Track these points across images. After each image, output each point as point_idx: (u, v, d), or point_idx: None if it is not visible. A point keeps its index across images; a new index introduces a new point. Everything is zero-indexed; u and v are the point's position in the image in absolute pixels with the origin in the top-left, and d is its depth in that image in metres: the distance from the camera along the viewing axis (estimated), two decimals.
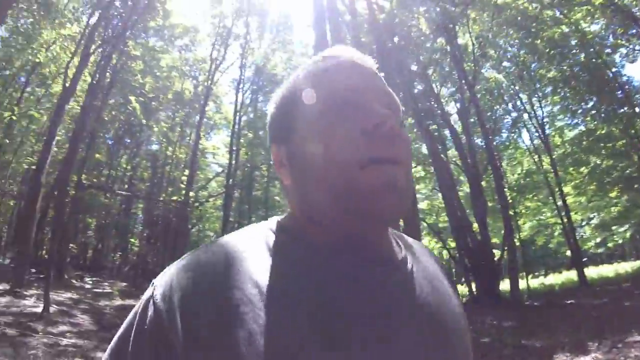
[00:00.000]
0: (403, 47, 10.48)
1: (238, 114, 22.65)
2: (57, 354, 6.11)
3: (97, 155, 22.57)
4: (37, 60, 19.16)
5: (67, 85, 14.23)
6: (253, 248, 0.56)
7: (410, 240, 0.72)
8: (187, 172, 21.84)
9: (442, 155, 11.21)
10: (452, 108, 16.60)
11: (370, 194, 0.51)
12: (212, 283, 0.50)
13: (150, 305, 0.52)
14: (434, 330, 0.56)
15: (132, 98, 20.76)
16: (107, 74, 18.89)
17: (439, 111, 10.94)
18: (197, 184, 25.85)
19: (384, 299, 0.55)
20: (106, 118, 21.98)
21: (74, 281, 14.51)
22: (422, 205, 19.92)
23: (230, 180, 21.27)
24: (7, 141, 18.94)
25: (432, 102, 10.88)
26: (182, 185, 21.65)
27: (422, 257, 0.68)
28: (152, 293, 0.53)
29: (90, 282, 15.58)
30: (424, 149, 12.48)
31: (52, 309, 8.68)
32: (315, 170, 0.56)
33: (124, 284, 15.12)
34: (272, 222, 0.63)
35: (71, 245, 16.67)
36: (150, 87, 23.58)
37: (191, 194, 21.12)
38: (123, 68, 20.67)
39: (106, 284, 15.52)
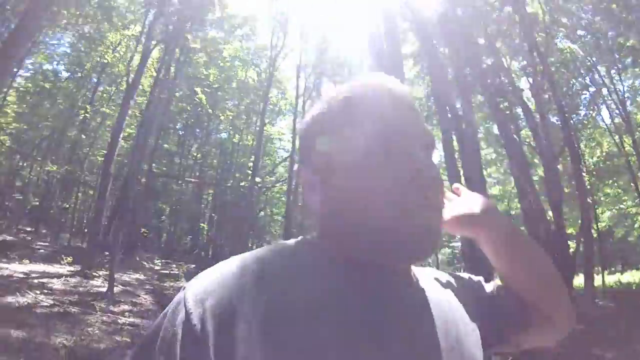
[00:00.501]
0: (468, 20, 9.76)
1: (302, 97, 22.45)
2: (114, 331, 6.36)
3: (166, 146, 23.71)
4: (106, 61, 20.30)
5: (130, 81, 14.83)
6: (285, 263, 0.58)
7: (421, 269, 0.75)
8: (252, 158, 22.18)
9: (514, 136, 10.35)
10: (524, 83, 14.99)
11: (406, 236, 0.56)
12: (244, 293, 0.51)
13: (181, 308, 0.52)
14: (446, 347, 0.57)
15: (198, 89, 21.50)
16: (172, 68, 19.64)
17: (510, 87, 10.09)
18: (264, 169, 26.46)
19: (409, 315, 0.58)
20: (175, 110, 23.06)
21: (144, 263, 15.24)
22: (494, 190, 18.62)
23: (295, 165, 21.37)
24: (84, 136, 20.24)
25: (502, 78, 10.03)
26: (249, 172, 22.08)
27: (434, 284, 0.70)
28: (184, 296, 0.53)
29: (160, 264, 16.31)
30: (495, 129, 11.70)
31: (117, 289, 9.12)
32: (355, 210, 0.58)
33: (193, 265, 15.68)
34: (303, 240, 0.64)
35: (143, 229, 17.53)
36: (214, 77, 24.37)
37: (257, 179, 21.56)
38: (186, 61, 21.44)
39: (174, 265, 16.17)
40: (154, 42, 15.84)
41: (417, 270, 0.69)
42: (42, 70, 21.01)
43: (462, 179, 9.10)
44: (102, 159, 17.83)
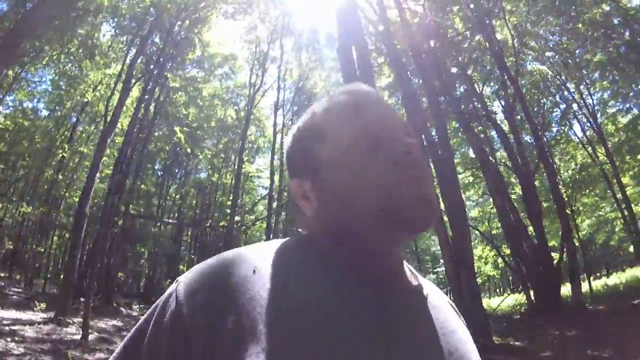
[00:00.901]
0: (440, 50, 10.11)
1: (279, 134, 22.69)
2: None
3: (144, 186, 23.44)
4: (86, 99, 20.26)
5: (108, 120, 14.76)
6: (277, 260, 0.58)
7: (422, 278, 0.74)
8: (231, 197, 22.09)
9: (490, 158, 10.55)
10: (497, 107, 15.43)
11: (411, 210, 0.58)
12: (236, 286, 0.52)
13: (172, 300, 0.53)
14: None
15: (177, 129, 21.38)
16: (151, 107, 19.69)
17: (484, 112, 10.36)
18: (244, 208, 26.21)
19: (393, 322, 0.57)
20: (153, 149, 22.95)
21: (122, 309, 14.73)
22: (473, 212, 18.77)
23: (274, 202, 21.27)
24: (61, 177, 19.89)
25: (476, 103, 10.32)
26: (228, 211, 21.89)
27: (435, 294, 0.70)
28: (176, 289, 0.54)
29: (138, 310, 15.80)
30: (471, 153, 11.93)
31: (92, 336, 8.74)
32: (351, 201, 0.60)
33: None
34: (294, 239, 0.66)
35: (120, 273, 17.03)
36: (193, 116, 24.44)
37: (237, 218, 21.34)
38: (166, 100, 21.53)
39: None
40: (133, 81, 15.88)
41: (419, 277, 0.71)
42: (22, 108, 20.78)
43: (441, 203, 9.23)
44: (78, 201, 17.48)
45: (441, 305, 0.68)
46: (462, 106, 10.21)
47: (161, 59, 17.86)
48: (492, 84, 12.66)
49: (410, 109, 9.44)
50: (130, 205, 19.68)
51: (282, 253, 0.60)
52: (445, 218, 9.09)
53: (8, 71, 16.32)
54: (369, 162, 0.60)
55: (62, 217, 20.75)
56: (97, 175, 13.77)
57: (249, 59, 24.07)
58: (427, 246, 19.24)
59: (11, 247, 20.02)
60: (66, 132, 22.01)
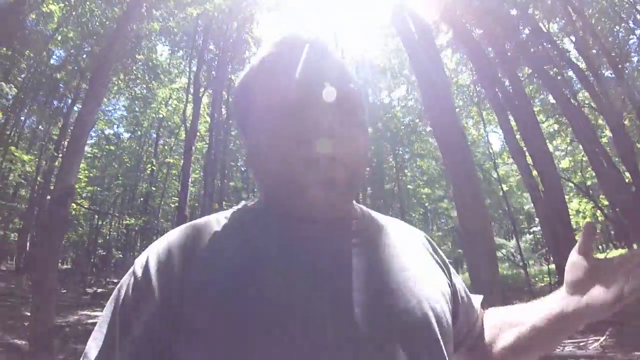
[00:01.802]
0: None
1: None
2: None
3: (232, 183, 24.72)
4: (161, 115, 21.72)
5: (187, 130, 15.75)
6: (224, 222, 0.63)
7: (384, 218, 0.75)
8: None
9: (571, 101, 9.80)
10: (568, 44, 13.70)
11: (307, 193, 0.57)
12: (184, 249, 0.57)
13: (131, 276, 0.57)
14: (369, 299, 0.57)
15: None
16: (223, 109, 20.65)
17: (555, 51, 9.59)
18: None
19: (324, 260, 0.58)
20: (234, 148, 24.08)
21: None
22: (563, 163, 17.35)
23: None
24: (154, 188, 21.52)
25: (545, 44, 9.58)
26: None
27: (391, 233, 0.70)
28: (134, 267, 0.58)
29: None
30: (552, 99, 11.05)
31: None
32: (264, 166, 0.62)
33: None
34: (247, 201, 0.69)
35: None
36: None
37: None
38: None
39: None
40: (201, 90, 16.71)
41: (377, 220, 0.72)
42: (105, 135, 22.80)
43: (527, 156, 8.78)
44: (175, 205, 18.91)
45: (394, 242, 0.67)
46: (532, 49, 9.55)
47: (220, 63, 18.58)
48: (557, 19, 11.59)
49: (477, 64, 9.06)
50: (223, 202, 20.94)
51: (226, 216, 0.64)
52: (535, 172, 8.61)
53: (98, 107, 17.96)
54: (279, 131, 0.58)
55: (162, 222, 22.49)
56: (189, 180, 14.86)
57: None
58: (519, 204, 18.18)
59: (120, 255, 22.29)
60: (150, 148, 23.81)
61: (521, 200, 16.47)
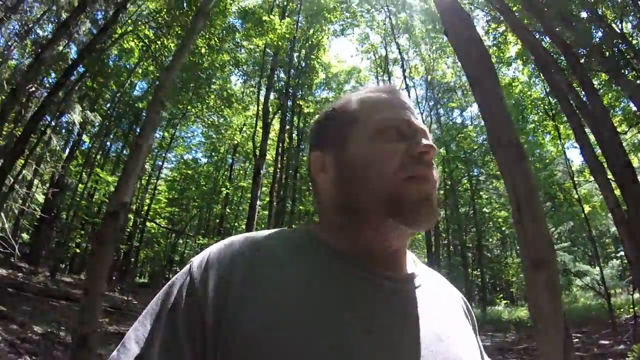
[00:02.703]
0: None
1: None
2: None
3: (302, 207, 25.21)
4: (236, 141, 22.78)
5: (257, 154, 16.27)
6: (282, 244, 0.66)
7: (429, 269, 0.79)
8: None
9: None
10: None
11: (412, 201, 0.63)
12: (241, 262, 0.59)
13: (186, 276, 0.60)
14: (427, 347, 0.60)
15: None
16: (294, 135, 21.20)
17: (632, 52, 8.49)
18: None
19: (383, 311, 0.61)
20: (304, 173, 24.58)
21: None
22: None
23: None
24: (228, 210, 22.42)
25: (620, 45, 8.56)
26: None
27: (437, 284, 0.76)
28: (190, 265, 0.61)
29: None
30: (633, 106, 9.79)
31: None
32: (366, 176, 0.66)
33: None
34: (303, 227, 0.72)
35: None
36: None
37: None
38: (305, 126, 22.94)
39: None
40: (271, 116, 17.27)
41: (421, 268, 0.76)
42: (184, 160, 24.41)
43: (607, 172, 7.81)
44: (245, 228, 19.49)
45: (438, 294, 0.73)
46: (606, 53, 8.57)
47: (290, 90, 19.15)
48: (630, 17, 10.28)
49: (549, 74, 8.35)
50: (293, 225, 21.27)
51: (283, 238, 0.68)
52: (617, 191, 7.59)
53: (164, 134, 19.36)
54: (390, 150, 0.66)
55: None
56: (259, 203, 15.25)
57: (371, 67, 24.25)
58: (604, 226, 16.43)
59: None
60: (225, 172, 25.01)
61: (606, 222, 14.76)
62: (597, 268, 11.85)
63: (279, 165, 18.66)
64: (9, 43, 10.83)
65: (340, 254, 0.66)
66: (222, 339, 0.52)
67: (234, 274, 0.57)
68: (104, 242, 6.09)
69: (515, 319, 14.06)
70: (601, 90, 9.98)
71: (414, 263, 0.75)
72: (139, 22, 13.45)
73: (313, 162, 0.75)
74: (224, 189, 22.34)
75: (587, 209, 13.16)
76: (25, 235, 16.41)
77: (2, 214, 9.89)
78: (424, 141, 0.67)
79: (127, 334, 0.58)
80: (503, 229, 22.48)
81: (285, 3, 17.56)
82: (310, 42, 19.43)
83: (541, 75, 11.90)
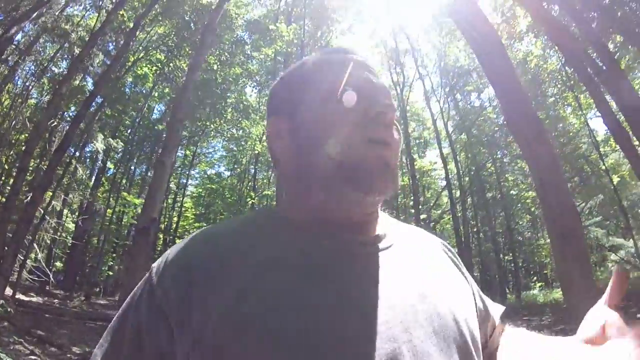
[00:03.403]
0: None
1: (439, 120, 21.73)
2: None
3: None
4: (257, 151, 22.99)
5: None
6: (243, 229, 0.64)
7: (406, 226, 0.77)
8: (412, 197, 22.07)
9: None
10: None
11: (367, 166, 0.60)
12: (202, 258, 0.57)
13: (147, 285, 0.58)
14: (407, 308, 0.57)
15: None
16: None
17: None
18: (427, 204, 25.85)
19: (353, 274, 0.58)
20: None
21: None
22: None
23: (456, 191, 20.40)
24: None
25: (632, 3, 8.23)
26: (412, 210, 21.90)
27: (414, 240, 0.73)
28: (149, 274, 0.59)
29: None
30: None
31: None
32: (320, 140, 0.62)
33: None
34: (264, 208, 0.80)
35: None
36: None
37: (423, 216, 21.07)
38: None
39: None
40: None
41: (401, 227, 0.74)
42: (207, 176, 24.82)
43: (632, 137, 7.55)
44: None
45: (416, 250, 0.69)
46: (618, 13, 8.30)
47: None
48: None
49: (562, 43, 8.14)
50: None
51: (243, 222, 0.67)
52: None
53: (186, 152, 19.76)
54: (342, 113, 0.62)
55: None
56: None
57: (382, 61, 24.16)
58: (636, 196, 15.90)
59: None
60: (249, 183, 25.29)
61: (637, 191, 14.23)
62: (631, 241, 11.46)
63: None
64: (27, 83, 11.33)
65: (301, 226, 0.63)
66: (191, 344, 0.50)
67: (195, 273, 0.55)
68: (137, 257, 6.33)
69: (552, 301, 13.68)
70: (618, 53, 9.68)
71: (387, 223, 0.72)
72: (150, 48, 13.81)
73: (268, 129, 0.71)
74: (249, 199, 22.55)
75: (615, 179, 12.72)
76: (58, 264, 17.03)
77: (35, 245, 10.27)
78: (385, 101, 0.64)
79: (94, 352, 0.57)
80: (532, 209, 21.90)
81: (290, 10, 17.71)
82: (319, 44, 19.51)
83: (555, 46, 11.69)
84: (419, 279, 0.62)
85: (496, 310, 0.79)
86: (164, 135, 18.98)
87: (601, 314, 0.54)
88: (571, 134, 16.46)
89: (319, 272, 0.57)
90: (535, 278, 22.26)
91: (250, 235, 0.62)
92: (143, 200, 18.24)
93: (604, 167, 12.64)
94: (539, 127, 5.48)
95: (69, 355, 6.85)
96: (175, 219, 21.68)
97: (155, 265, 0.60)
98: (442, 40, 22.04)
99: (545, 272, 22.39)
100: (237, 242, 0.60)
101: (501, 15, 12.32)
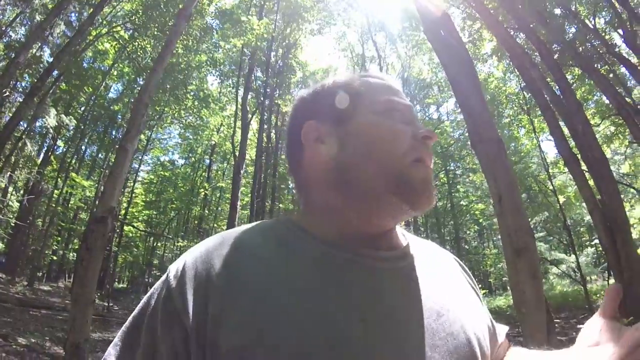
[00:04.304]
0: None
1: None
2: None
3: (281, 205, 25.14)
4: (213, 142, 22.56)
5: (236, 154, 16.19)
6: (262, 238, 0.63)
7: (420, 240, 0.79)
8: None
9: (627, 99, 8.96)
10: (617, 39, 12.50)
11: (416, 183, 0.63)
12: (218, 265, 0.57)
13: (164, 286, 0.58)
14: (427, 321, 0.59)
15: None
16: (272, 134, 21.11)
17: (604, 48, 8.84)
18: None
19: (380, 294, 0.59)
20: (284, 171, 24.61)
21: None
22: (623, 168, 16.07)
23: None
24: (207, 211, 22.19)
25: (593, 41, 8.90)
26: None
27: (429, 254, 0.75)
28: (166, 276, 0.59)
29: None
30: (605, 99, 10.18)
31: None
32: (374, 153, 0.65)
33: None
34: (283, 217, 0.70)
35: None
36: None
37: None
38: (284, 125, 22.91)
39: None
40: (250, 116, 17.18)
41: (410, 238, 0.75)
42: (160, 162, 24.06)
43: (581, 162, 8.12)
44: (226, 228, 19.34)
45: (432, 265, 0.71)
46: (580, 49, 8.90)
47: (268, 90, 19.10)
48: (603, 13, 10.63)
49: (523, 69, 8.60)
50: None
51: (263, 230, 0.66)
52: (591, 181, 7.91)
53: (140, 135, 18.99)
54: (400, 129, 0.66)
55: None
56: (239, 203, 15.17)
57: (347, 65, 24.46)
58: (579, 216, 17.01)
59: None
60: (203, 173, 24.78)
61: (580, 212, 15.29)
62: (573, 256, 12.30)
63: (259, 165, 18.59)
64: None
65: (325, 240, 0.63)
66: (208, 350, 0.51)
67: (213, 280, 0.55)
68: (93, 249, 6.02)
69: (495, 308, 14.44)
70: (574, 85, 10.33)
71: (404, 237, 0.73)
72: (114, 23, 13.18)
73: (306, 132, 0.70)
74: (202, 190, 22.14)
75: (561, 199, 13.62)
76: (0, 245, 15.96)
77: None
78: (428, 128, 0.69)
79: (108, 350, 0.57)
80: (480, 220, 23.00)
81: (262, 2, 17.50)
82: (287, 42, 19.42)
83: (516, 70, 12.28)
84: (435, 297, 0.63)
85: (501, 330, 0.81)
86: (119, 116, 18.32)
87: (597, 325, 0.57)
88: (522, 153, 17.39)
89: (339, 287, 0.57)
90: (480, 286, 23.22)
91: (269, 246, 0.62)
92: (92, 183, 17.52)
93: (551, 187, 13.45)
94: (500, 148, 5.77)
95: (14, 347, 6.45)
96: (125, 204, 20.85)
97: (172, 268, 0.60)
98: (407, 52, 22.62)
99: (490, 280, 23.48)
100: (255, 251, 0.60)
101: (468, 35, 12.78)
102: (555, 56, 8.66)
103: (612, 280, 9.80)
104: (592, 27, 9.27)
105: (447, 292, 0.67)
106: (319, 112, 0.71)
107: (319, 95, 0.74)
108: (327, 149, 0.68)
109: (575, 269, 12.06)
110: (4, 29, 9.86)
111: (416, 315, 0.59)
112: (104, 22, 12.65)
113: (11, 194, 12.89)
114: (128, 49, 13.42)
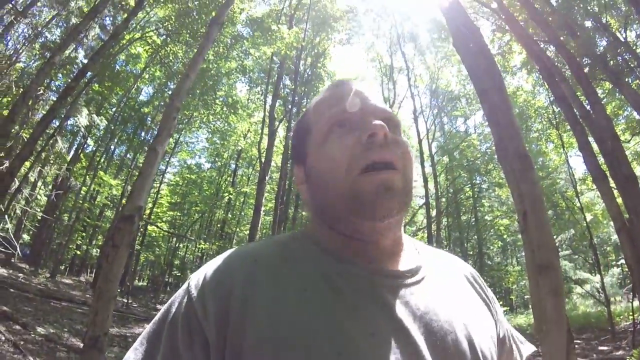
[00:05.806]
0: (565, 4, 8.90)
1: (425, 141, 22.02)
2: None
3: (304, 213, 25.01)
4: (240, 147, 22.84)
5: (262, 160, 16.37)
6: (278, 253, 0.66)
7: (433, 251, 0.80)
8: None
9: None
10: None
11: (368, 195, 0.61)
12: (239, 277, 0.59)
13: (185, 296, 0.60)
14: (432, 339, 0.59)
15: None
16: None
17: (635, 62, 8.59)
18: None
19: (381, 309, 0.60)
20: None
21: None
22: None
23: (433, 210, 20.69)
24: (230, 215, 22.41)
25: (624, 54, 8.67)
26: None
27: (442, 268, 0.75)
28: (188, 284, 0.61)
29: None
30: (636, 115, 9.89)
31: None
32: (325, 181, 0.66)
33: None
34: (299, 232, 0.73)
35: None
36: None
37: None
38: None
39: None
40: (277, 123, 17.37)
41: (425, 253, 0.76)
42: (187, 165, 24.46)
43: (609, 179, 7.89)
44: (249, 232, 19.50)
45: (443, 281, 0.71)
46: (610, 62, 8.67)
47: (295, 98, 19.29)
48: (634, 26, 10.30)
49: (553, 83, 8.45)
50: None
51: (279, 245, 0.68)
52: (619, 199, 7.66)
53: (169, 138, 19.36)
54: (337, 149, 0.65)
55: None
56: (262, 209, 15.32)
57: (376, 76, 24.36)
58: (606, 235, 16.47)
59: None
60: (228, 178, 25.09)
61: (608, 230, 14.79)
62: (598, 276, 11.90)
63: (284, 172, 18.73)
64: (18, 46, 10.98)
65: (336, 256, 0.65)
66: (228, 358, 0.53)
67: (233, 291, 0.57)
68: (119, 246, 6.18)
69: (515, 325, 14.07)
70: (605, 99, 10.08)
71: (416, 251, 0.74)
72: (147, 29, 13.59)
73: (295, 176, 0.76)
74: (226, 194, 22.39)
75: (588, 217, 13.23)
76: (26, 236, 16.49)
77: (6, 216, 9.94)
78: (374, 122, 0.65)
79: (127, 355, 0.59)
80: (504, 236, 22.50)
81: (292, 12, 17.73)
82: (316, 51, 19.57)
83: (545, 84, 12.08)
84: (443, 314, 0.63)
85: (525, 349, 0.83)
86: (148, 118, 18.81)
87: None
88: (550, 169, 17.00)
89: (349, 302, 0.59)
90: (501, 303, 22.74)
91: (285, 260, 0.64)
92: (119, 182, 18.00)
93: (578, 204, 13.08)
94: (527, 162, 5.67)
95: (33, 335, 6.64)
96: (150, 204, 21.34)
97: (194, 277, 0.62)
98: (436, 64, 22.44)
99: (511, 297, 22.90)
100: (272, 265, 0.62)
101: (497, 47, 12.65)
102: (586, 70, 8.49)
103: (636, 303, 9.46)
104: (623, 40, 9.05)
105: (456, 308, 0.67)
106: (294, 156, 0.77)
107: (293, 138, 0.79)
108: (304, 189, 0.73)
109: (600, 290, 11.66)
110: (40, 29, 10.28)
111: (424, 332, 0.59)
112: (138, 27, 13.09)
113: (40, 189, 13.34)
114: (160, 54, 13.80)
